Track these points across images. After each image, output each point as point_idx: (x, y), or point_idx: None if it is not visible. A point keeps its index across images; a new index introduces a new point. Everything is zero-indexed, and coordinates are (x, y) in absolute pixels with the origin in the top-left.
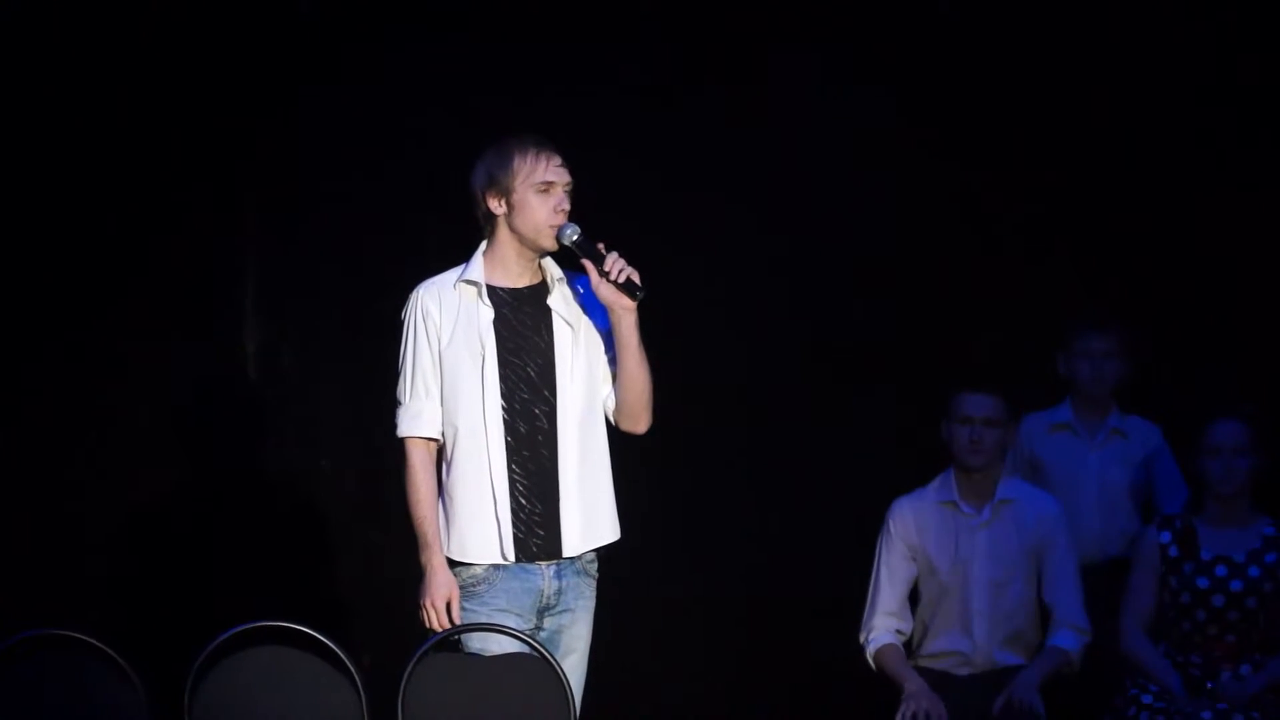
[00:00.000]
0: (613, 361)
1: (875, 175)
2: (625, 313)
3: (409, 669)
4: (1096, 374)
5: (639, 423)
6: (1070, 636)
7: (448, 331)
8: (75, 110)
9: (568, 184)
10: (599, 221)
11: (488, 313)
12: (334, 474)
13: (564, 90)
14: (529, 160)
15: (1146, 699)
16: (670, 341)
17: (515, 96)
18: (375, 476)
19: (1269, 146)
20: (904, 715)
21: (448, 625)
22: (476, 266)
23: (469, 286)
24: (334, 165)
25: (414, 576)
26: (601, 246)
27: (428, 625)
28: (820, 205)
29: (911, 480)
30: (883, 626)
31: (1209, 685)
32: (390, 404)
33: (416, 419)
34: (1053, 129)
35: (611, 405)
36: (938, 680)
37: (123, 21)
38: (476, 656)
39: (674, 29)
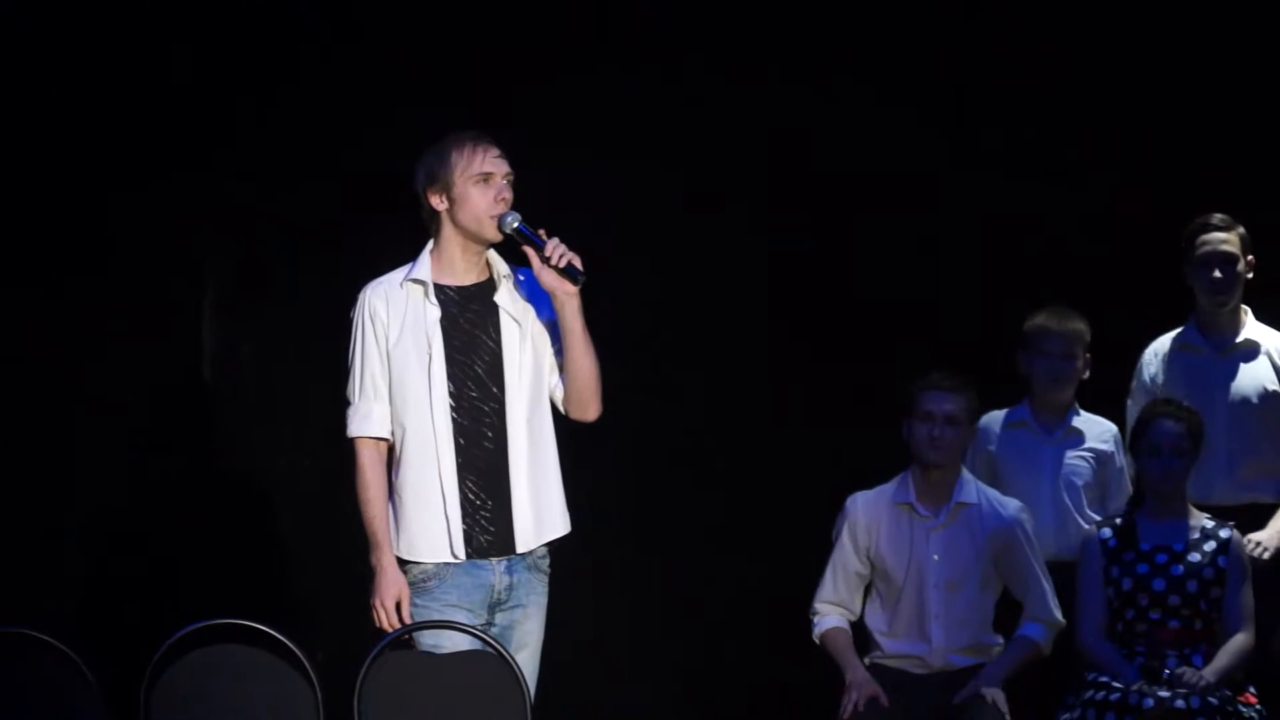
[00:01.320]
0: (559, 351)
1: (842, 170)
2: (568, 298)
3: (363, 669)
4: (1055, 373)
5: (588, 410)
6: (1036, 628)
7: (395, 331)
8: (32, 108)
9: (507, 174)
10: (551, 212)
11: (434, 311)
12: (290, 471)
13: (520, 86)
14: (466, 153)
15: (1101, 695)
16: (622, 331)
17: (470, 97)
18: (331, 474)
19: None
20: (846, 705)
21: (398, 625)
22: (423, 265)
23: (416, 285)
24: (293, 164)
25: (368, 574)
26: (542, 233)
27: (378, 625)
28: (788, 199)
29: (874, 473)
30: (827, 611)
31: (1165, 674)
32: (340, 403)
33: (366, 419)
34: (1024, 128)
35: (560, 394)
36: (894, 679)
37: (89, 20)
38: (430, 654)
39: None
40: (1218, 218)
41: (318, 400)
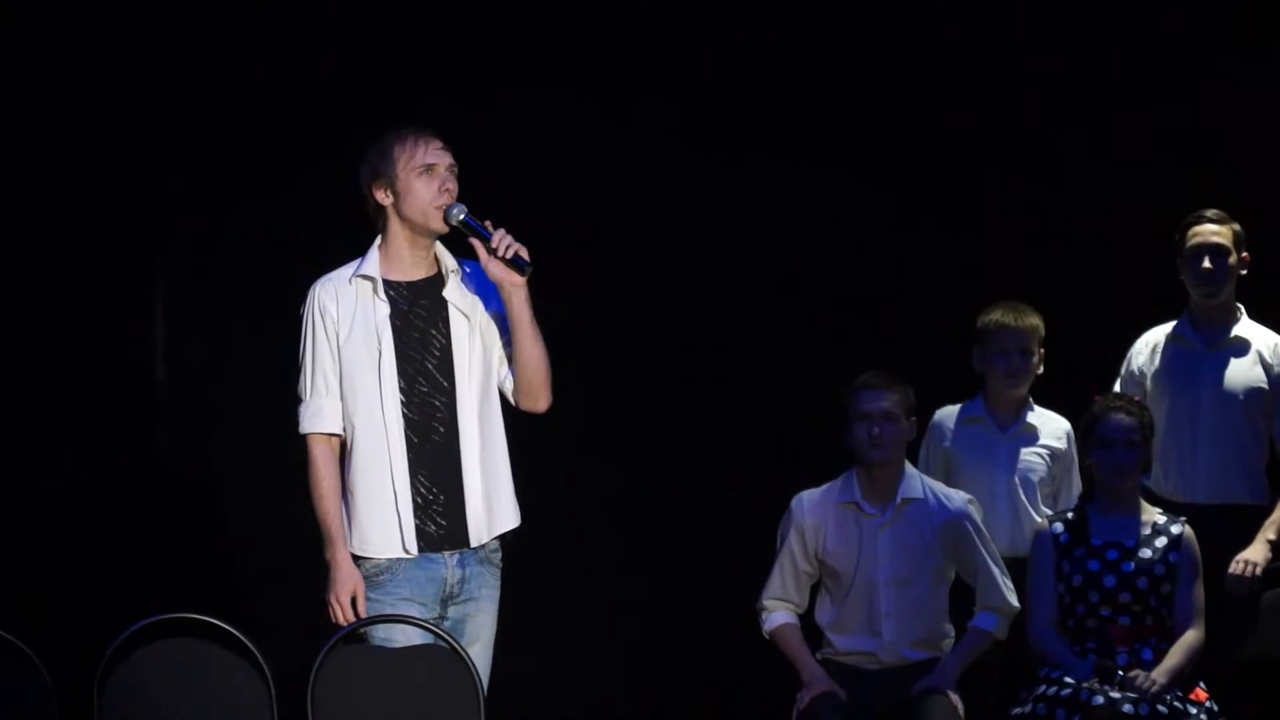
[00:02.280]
0: (508, 343)
1: (791, 170)
2: (515, 289)
3: (317, 663)
4: (1011, 369)
5: (539, 401)
6: (989, 618)
7: (345, 327)
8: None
9: (450, 165)
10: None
11: (384, 308)
12: (241, 467)
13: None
14: (408, 146)
15: (1052, 690)
16: (572, 323)
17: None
18: (282, 471)
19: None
20: (801, 701)
21: (353, 619)
22: (372, 261)
23: (365, 281)
24: (245, 162)
25: (323, 570)
26: (488, 224)
27: (334, 620)
28: (747, 194)
29: (821, 465)
30: (775, 607)
31: (1119, 675)
32: (292, 400)
33: (317, 416)
34: (977, 139)
35: (510, 386)
36: (847, 675)
37: (51, 15)
38: (383, 648)
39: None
40: (1211, 212)
41: (267, 396)
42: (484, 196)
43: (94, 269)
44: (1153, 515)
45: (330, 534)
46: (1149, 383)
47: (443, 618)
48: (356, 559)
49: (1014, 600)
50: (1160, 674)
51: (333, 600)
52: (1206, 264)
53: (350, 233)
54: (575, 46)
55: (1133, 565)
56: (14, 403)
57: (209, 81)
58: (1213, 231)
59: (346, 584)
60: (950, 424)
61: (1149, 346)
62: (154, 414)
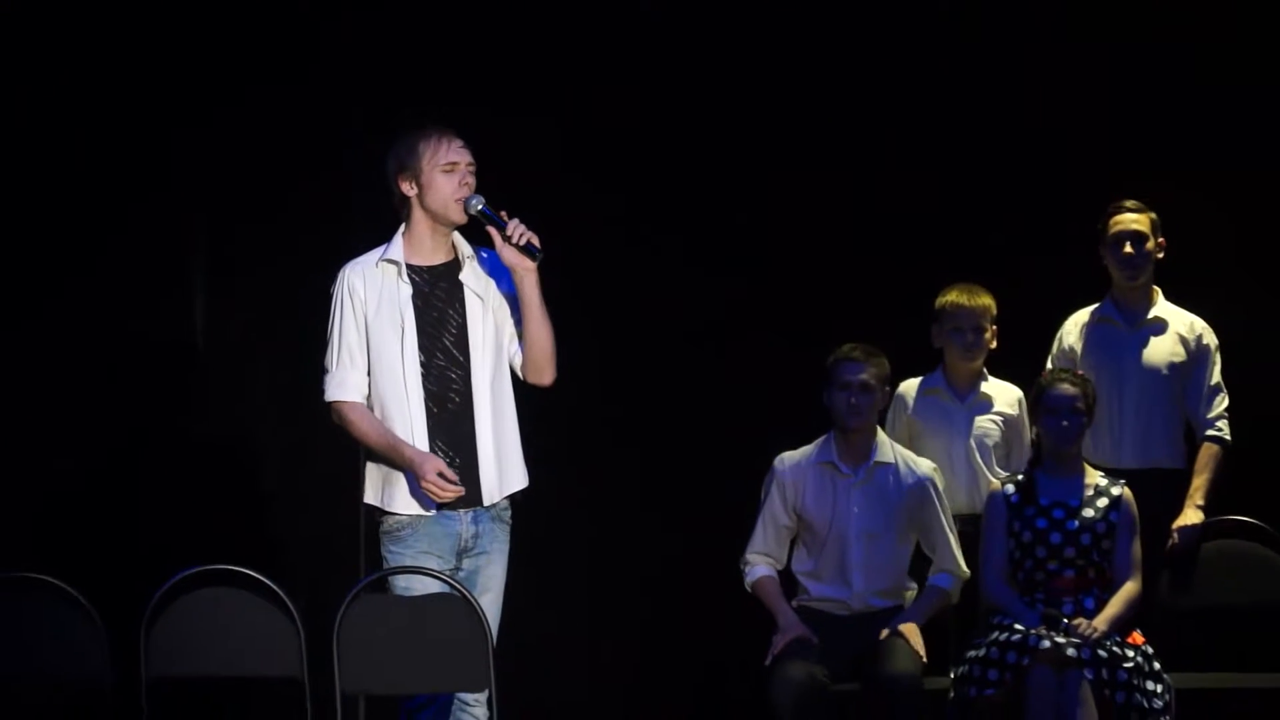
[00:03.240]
0: (518, 323)
1: (762, 154)
2: (527, 274)
3: (341, 609)
4: (967, 345)
5: (544, 375)
6: (945, 579)
7: (373, 307)
8: (40, 97)
9: (470, 163)
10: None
11: (406, 289)
12: (274, 433)
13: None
14: (433, 144)
15: (1004, 636)
16: (579, 308)
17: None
18: (311, 436)
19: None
20: (776, 645)
21: (450, 487)
22: (396, 247)
23: (390, 265)
24: (277, 154)
25: (341, 526)
26: (504, 214)
27: (440, 497)
28: (718, 185)
29: (802, 434)
30: (758, 561)
31: (1064, 619)
32: (318, 371)
33: (342, 386)
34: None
35: (518, 361)
36: (819, 620)
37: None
38: (402, 597)
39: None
40: (1130, 202)
41: (298, 369)
42: (501, 186)
43: (143, 254)
44: (1095, 478)
45: (393, 447)
46: (1078, 359)
47: (458, 569)
48: (381, 514)
49: (965, 567)
50: (1101, 621)
51: (428, 486)
52: (1128, 249)
53: (375, 220)
54: (576, 45)
55: (1077, 523)
56: (75, 369)
57: (247, 76)
58: (1132, 220)
59: (428, 464)
60: (912, 395)
61: (1077, 326)
62: (194, 384)
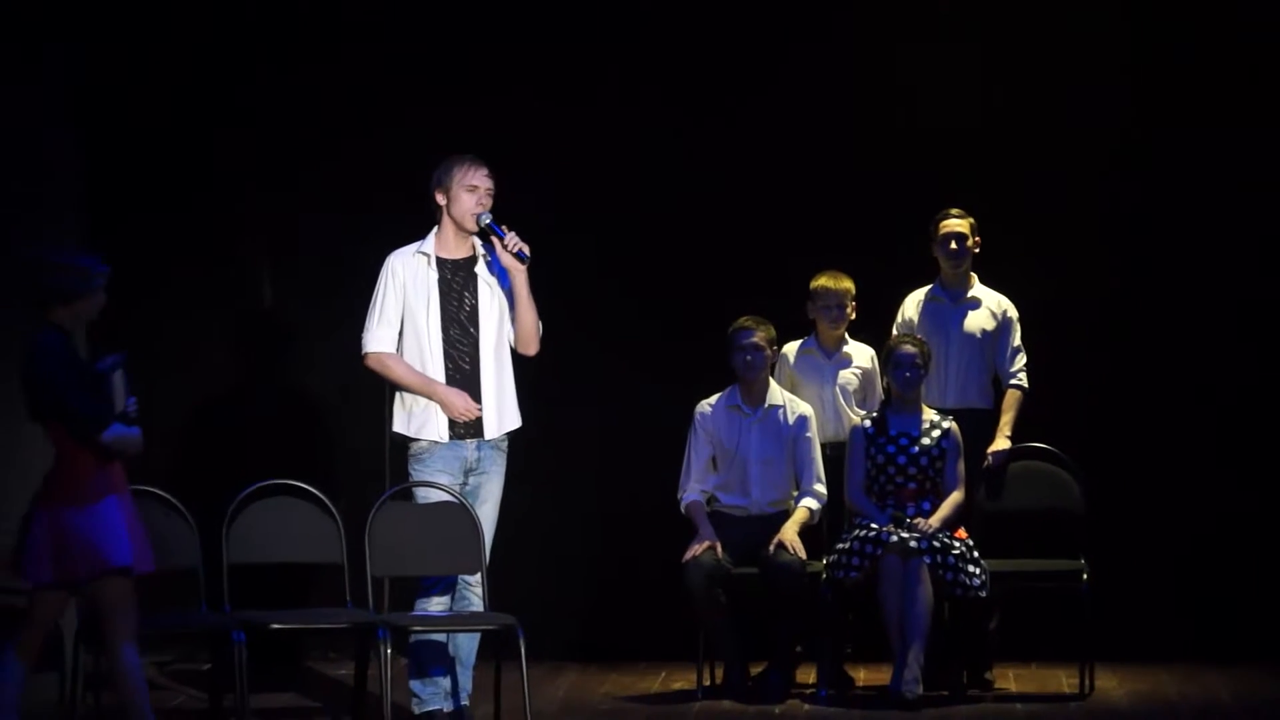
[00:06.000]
0: (513, 307)
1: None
2: (518, 273)
3: (372, 514)
4: (832, 318)
5: (529, 348)
6: (810, 498)
7: (410, 286)
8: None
9: (489, 188)
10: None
11: (434, 275)
12: (321, 381)
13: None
14: (464, 170)
15: (863, 532)
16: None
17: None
18: (354, 384)
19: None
20: (692, 550)
21: (474, 408)
22: (429, 242)
23: (423, 256)
24: (330, 153)
25: (368, 448)
26: (504, 228)
27: (466, 417)
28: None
29: (716, 385)
30: (692, 488)
31: (907, 520)
32: (360, 330)
33: (377, 340)
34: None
35: (512, 337)
36: (727, 520)
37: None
38: (419, 504)
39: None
40: (955, 209)
41: (341, 332)
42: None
43: (222, 244)
44: (930, 415)
45: (426, 386)
46: (915, 327)
47: (464, 484)
48: (409, 440)
49: (825, 491)
50: (934, 520)
51: (462, 410)
52: (953, 246)
53: (410, 215)
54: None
55: (917, 449)
56: (182, 335)
57: (298, 81)
58: (956, 224)
59: (458, 397)
60: (793, 354)
61: (914, 302)
62: (267, 343)
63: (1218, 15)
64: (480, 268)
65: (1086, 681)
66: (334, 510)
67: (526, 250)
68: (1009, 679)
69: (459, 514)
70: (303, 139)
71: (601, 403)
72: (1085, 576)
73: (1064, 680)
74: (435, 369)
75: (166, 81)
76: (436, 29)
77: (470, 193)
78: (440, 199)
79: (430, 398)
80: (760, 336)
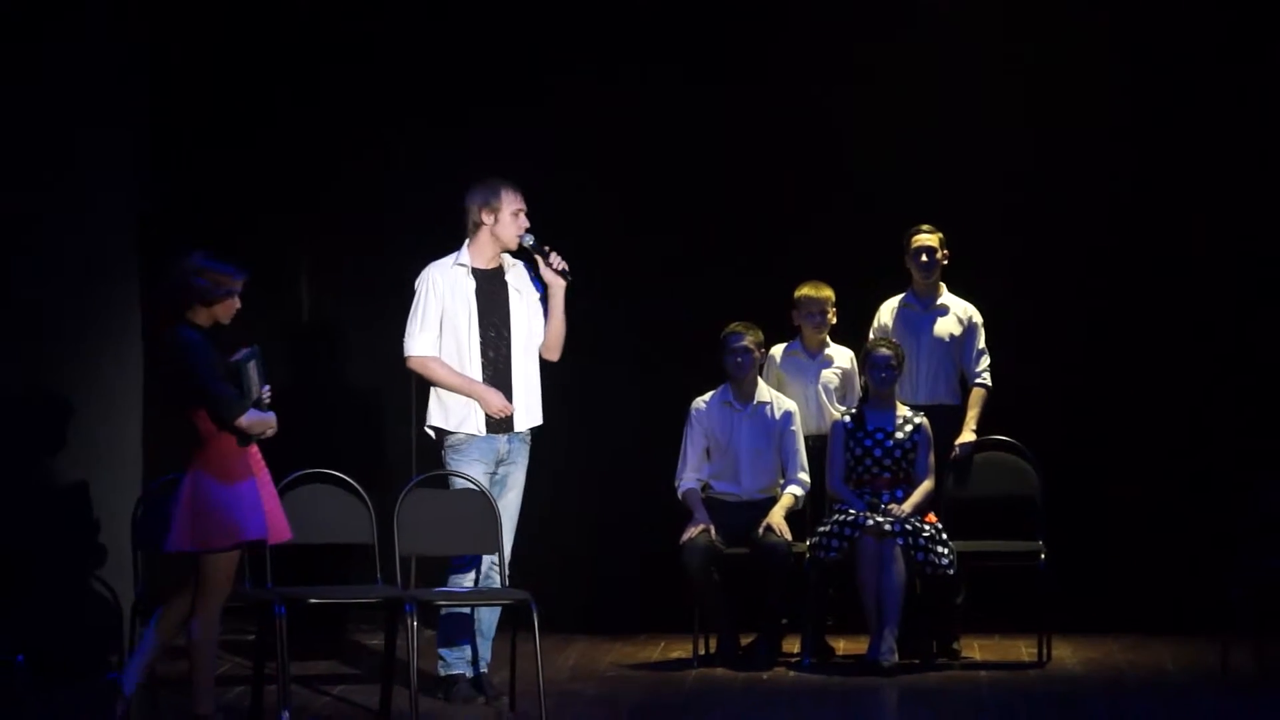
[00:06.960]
0: (547, 317)
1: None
2: (558, 289)
3: (400, 499)
4: (815, 324)
5: (553, 355)
6: (795, 485)
7: (449, 295)
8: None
9: (525, 212)
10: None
11: (471, 284)
12: (357, 381)
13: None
14: (510, 194)
15: (842, 517)
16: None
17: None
18: (393, 386)
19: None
20: (687, 533)
21: (509, 406)
22: (465, 254)
23: (460, 267)
24: (365, 178)
25: (400, 442)
26: (547, 248)
27: (503, 414)
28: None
29: (709, 382)
30: (688, 477)
31: (882, 506)
32: (402, 336)
33: (419, 345)
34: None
35: (540, 342)
36: (719, 506)
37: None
38: (441, 491)
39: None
40: (926, 225)
41: (387, 336)
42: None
43: (270, 257)
44: (904, 411)
45: (466, 387)
46: (890, 332)
47: (495, 473)
48: (447, 434)
49: (808, 480)
50: (906, 507)
51: (499, 408)
52: (924, 258)
53: (441, 227)
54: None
55: (892, 442)
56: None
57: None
58: (927, 238)
59: (494, 397)
60: (779, 355)
61: (889, 309)
62: (304, 348)
63: (1199, 25)
64: (511, 276)
65: (1044, 651)
66: (366, 497)
67: (568, 270)
68: (974, 649)
69: (478, 500)
70: (336, 148)
71: (608, 404)
72: (1043, 556)
73: (1024, 650)
74: (474, 369)
75: (212, 87)
76: (428, 45)
77: (515, 217)
78: (486, 218)
79: (470, 395)
80: (750, 340)
